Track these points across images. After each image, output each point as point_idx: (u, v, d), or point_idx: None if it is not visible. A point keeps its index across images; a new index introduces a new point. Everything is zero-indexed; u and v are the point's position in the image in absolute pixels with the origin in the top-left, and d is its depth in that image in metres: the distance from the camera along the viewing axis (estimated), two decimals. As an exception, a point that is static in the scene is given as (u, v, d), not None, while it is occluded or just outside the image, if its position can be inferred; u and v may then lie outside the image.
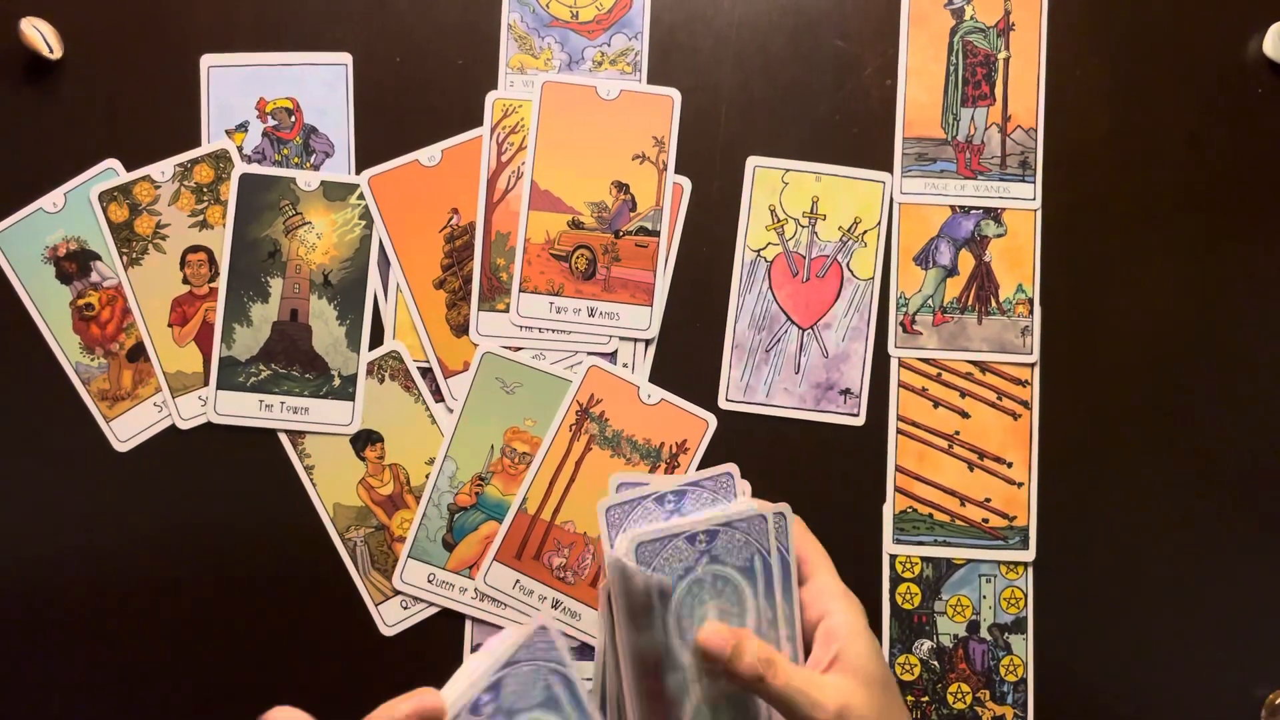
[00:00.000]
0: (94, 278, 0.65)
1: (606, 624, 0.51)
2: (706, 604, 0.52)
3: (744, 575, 0.52)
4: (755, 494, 0.65)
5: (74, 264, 0.65)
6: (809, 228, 0.66)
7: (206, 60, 0.65)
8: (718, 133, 0.66)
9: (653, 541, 0.51)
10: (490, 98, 0.65)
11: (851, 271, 0.66)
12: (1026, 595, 0.65)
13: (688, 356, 0.65)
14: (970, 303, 0.66)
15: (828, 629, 0.50)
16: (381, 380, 0.65)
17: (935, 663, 0.65)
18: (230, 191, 0.65)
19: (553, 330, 0.65)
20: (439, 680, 0.65)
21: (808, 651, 0.51)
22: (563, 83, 0.65)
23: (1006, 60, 0.67)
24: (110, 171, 0.65)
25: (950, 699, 0.65)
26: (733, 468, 0.53)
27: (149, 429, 0.65)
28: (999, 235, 0.66)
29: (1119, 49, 0.67)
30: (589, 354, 0.65)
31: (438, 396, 0.65)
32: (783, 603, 0.53)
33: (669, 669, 0.51)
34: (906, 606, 0.65)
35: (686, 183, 0.66)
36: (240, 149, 0.65)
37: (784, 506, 0.52)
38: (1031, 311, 0.66)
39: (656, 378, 0.65)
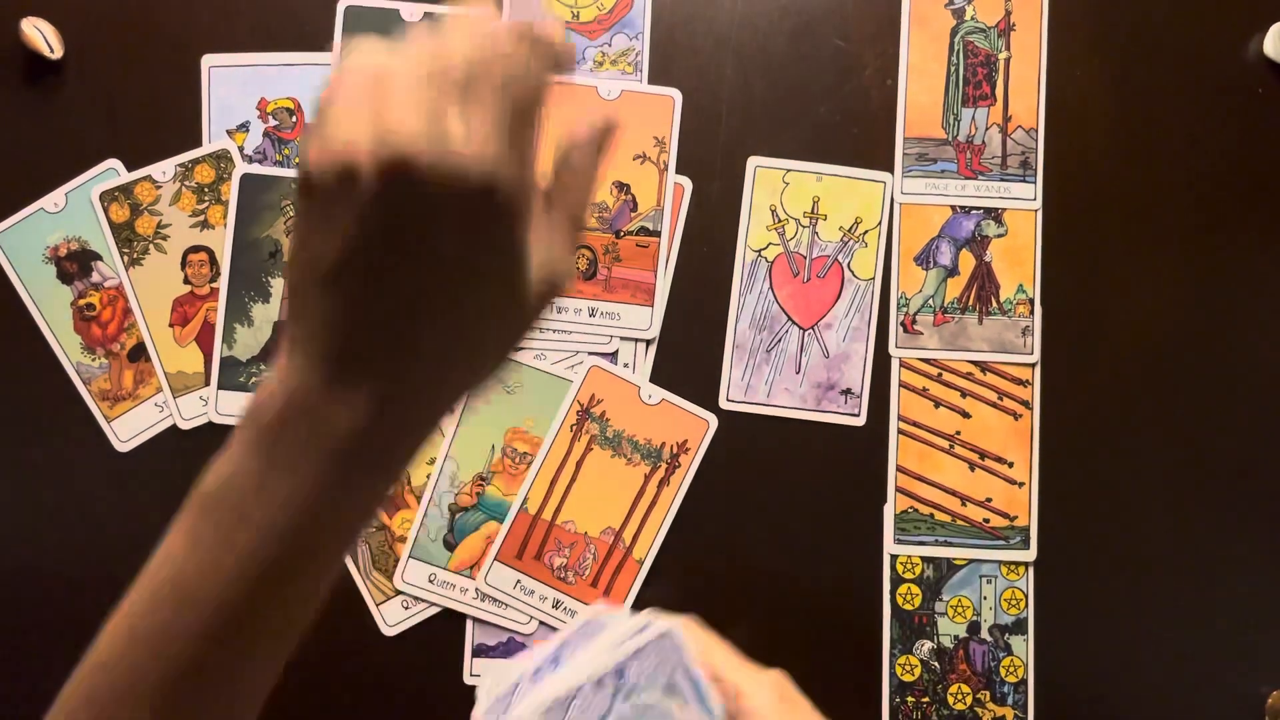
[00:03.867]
0: (95, 278, 0.65)
1: None
2: None
3: (669, 694, 0.47)
4: (756, 497, 0.65)
5: (75, 264, 0.65)
6: (810, 228, 0.66)
7: (207, 60, 0.65)
8: (718, 133, 0.66)
9: (552, 710, 0.47)
10: (491, 98, 0.65)
11: (852, 272, 0.66)
12: (1027, 596, 0.65)
13: (689, 356, 0.65)
14: (971, 303, 0.66)
15: (743, 710, 0.45)
16: (382, 380, 0.65)
17: (936, 663, 0.65)
18: (231, 191, 0.65)
19: (554, 330, 0.65)
20: (439, 679, 0.66)
21: None
22: (563, 82, 0.65)
23: (1007, 60, 0.67)
24: (111, 171, 0.65)
25: (950, 700, 0.65)
26: (598, 609, 0.49)
27: (150, 429, 0.65)
28: (1000, 235, 0.66)
29: (1119, 49, 0.67)
30: (590, 354, 0.65)
31: (439, 396, 0.65)
32: (715, 706, 0.49)
33: None
34: (907, 607, 0.65)
35: (687, 183, 0.66)
36: (241, 149, 0.65)
37: (673, 622, 0.47)
38: (1032, 311, 0.66)
39: (657, 378, 0.65)
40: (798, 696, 0.47)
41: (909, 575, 0.65)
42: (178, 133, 0.65)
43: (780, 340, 0.65)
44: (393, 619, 0.64)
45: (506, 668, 0.48)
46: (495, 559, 0.64)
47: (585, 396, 0.64)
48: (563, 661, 0.50)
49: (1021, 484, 0.65)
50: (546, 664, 0.50)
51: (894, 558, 0.65)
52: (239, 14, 0.66)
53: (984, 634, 0.65)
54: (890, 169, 0.66)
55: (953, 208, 0.66)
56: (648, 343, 0.65)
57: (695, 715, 0.47)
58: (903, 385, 0.66)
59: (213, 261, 0.65)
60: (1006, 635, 0.65)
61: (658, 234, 0.65)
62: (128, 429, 0.64)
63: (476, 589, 0.64)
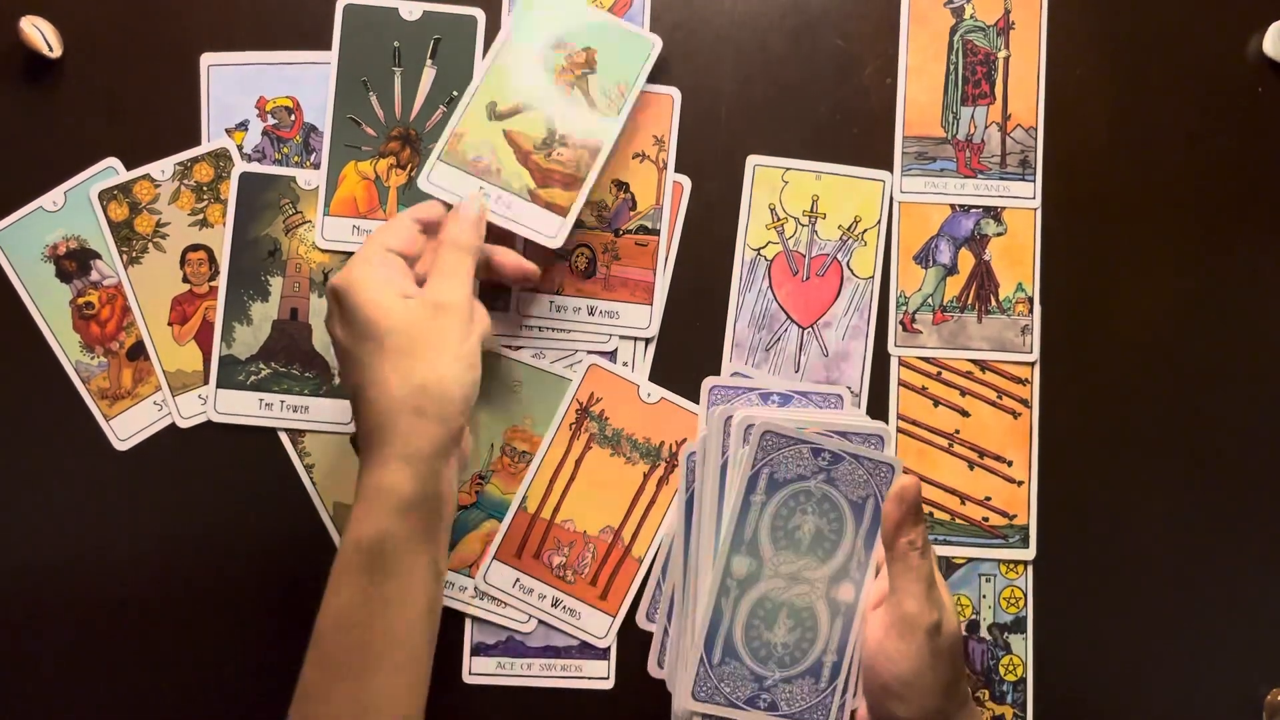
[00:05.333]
0: (94, 276, 0.65)
1: (704, 485, 0.56)
2: (807, 516, 0.54)
3: (852, 510, 0.54)
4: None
5: (74, 262, 0.65)
6: (809, 226, 0.66)
7: (206, 59, 0.65)
8: (718, 131, 0.66)
9: (779, 436, 0.55)
10: (490, 96, 0.65)
11: (851, 270, 0.66)
12: (1026, 595, 0.65)
13: (688, 355, 0.65)
14: (970, 301, 0.66)
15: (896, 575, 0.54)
16: (381, 379, 0.65)
17: (935, 662, 0.65)
18: (230, 190, 0.65)
19: (553, 329, 0.65)
20: (438, 678, 0.65)
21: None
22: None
23: (1006, 59, 0.67)
24: (110, 170, 0.65)
25: (950, 698, 0.65)
26: (843, 391, 0.56)
27: (149, 428, 0.65)
28: (999, 234, 0.66)
29: (1119, 48, 0.67)
30: (589, 352, 0.65)
31: (438, 395, 0.65)
32: (872, 550, 0.56)
33: (748, 554, 0.55)
34: (906, 605, 0.65)
35: (686, 181, 0.66)
36: (240, 148, 0.65)
37: (899, 461, 0.56)
38: (1031, 310, 0.66)
39: (656, 376, 0.65)
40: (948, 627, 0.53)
41: (908, 574, 0.65)
42: (176, 131, 0.65)
43: (779, 339, 0.65)
44: (391, 618, 0.64)
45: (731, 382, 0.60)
46: (494, 557, 0.64)
47: (584, 395, 0.64)
48: (793, 406, 0.59)
49: (1021, 483, 0.65)
50: (778, 396, 0.59)
51: (893, 557, 0.65)
52: (238, 13, 0.66)
53: (983, 632, 0.65)
54: (889, 168, 0.66)
55: (952, 206, 0.66)
56: (647, 341, 0.65)
57: (859, 545, 0.56)
58: (902, 384, 0.65)
59: (211, 260, 0.65)
60: (1005, 634, 0.65)
61: (657, 232, 0.65)
62: (126, 427, 0.64)
63: (475, 587, 0.64)
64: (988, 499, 0.65)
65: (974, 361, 0.66)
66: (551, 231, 0.61)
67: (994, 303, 0.66)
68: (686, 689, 0.55)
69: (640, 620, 0.64)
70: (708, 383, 0.60)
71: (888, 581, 0.54)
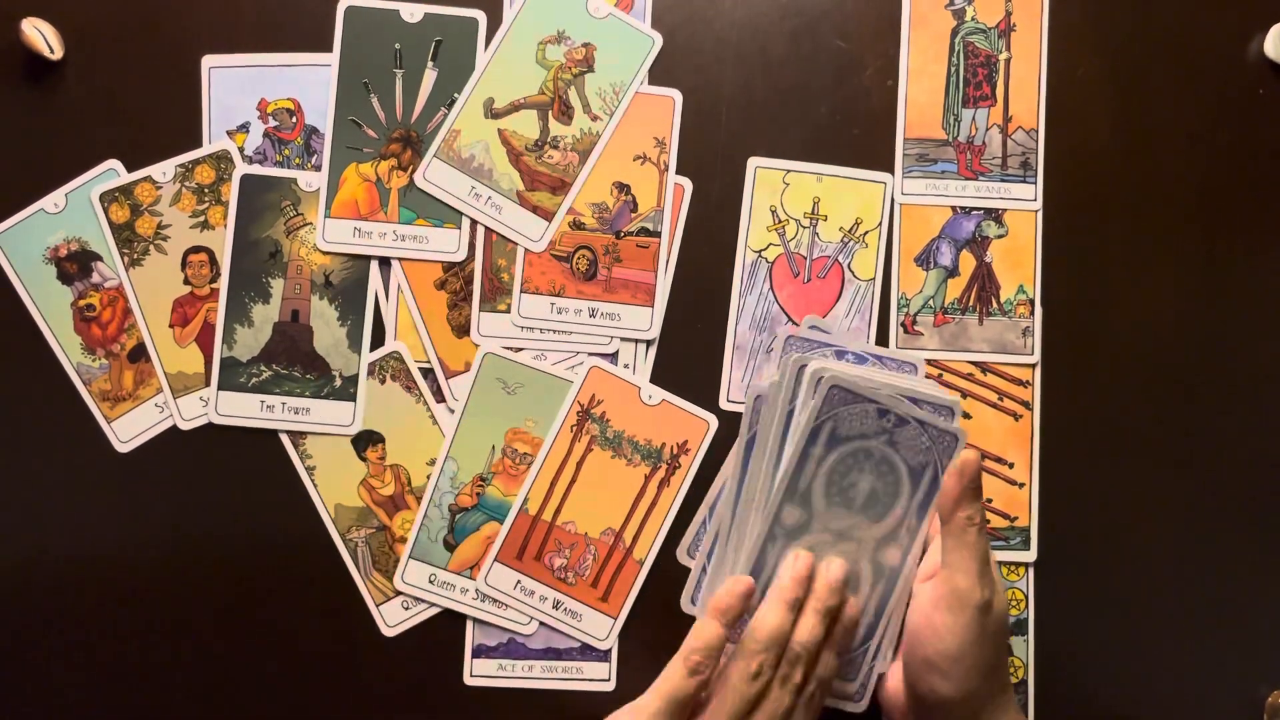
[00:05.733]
0: (95, 278, 0.65)
1: (766, 421, 0.57)
2: (864, 474, 0.54)
3: (910, 475, 0.54)
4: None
5: (75, 265, 0.65)
6: (810, 228, 0.66)
7: (207, 61, 0.65)
8: (719, 133, 0.66)
9: (847, 391, 0.55)
10: (491, 98, 0.65)
11: (853, 272, 0.66)
12: (1027, 597, 0.65)
13: (689, 357, 0.65)
14: (971, 303, 0.66)
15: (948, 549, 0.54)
16: (383, 381, 0.65)
17: (936, 663, 0.65)
18: (231, 192, 0.65)
19: (554, 331, 0.65)
20: (438, 680, 0.66)
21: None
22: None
23: (1007, 61, 0.67)
24: (111, 172, 0.65)
25: (951, 699, 0.65)
26: (919, 361, 0.58)
27: (150, 430, 0.65)
28: (1000, 236, 0.66)
29: (1119, 49, 0.67)
30: (590, 355, 0.65)
31: (439, 397, 0.65)
32: (925, 521, 0.56)
33: (800, 505, 0.55)
34: (907, 607, 0.65)
35: (687, 183, 0.66)
36: (241, 150, 0.65)
37: (964, 433, 0.56)
38: (1032, 312, 0.66)
39: (658, 378, 0.65)
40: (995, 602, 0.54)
41: (909, 576, 0.65)
42: (178, 133, 0.65)
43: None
44: (393, 620, 0.64)
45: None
46: (495, 560, 0.64)
47: (585, 397, 0.64)
48: (867, 366, 0.59)
49: (1022, 485, 0.65)
50: (853, 355, 0.59)
51: (894, 558, 0.65)
52: (239, 14, 0.66)
53: (984, 635, 0.65)
54: (890, 169, 0.66)
55: (953, 208, 0.66)
56: (648, 343, 0.65)
57: (912, 511, 0.56)
58: (903, 386, 0.65)
59: (213, 262, 0.65)
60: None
61: (658, 234, 0.65)
62: (128, 429, 0.64)
63: (476, 589, 0.64)
64: (989, 501, 0.65)
65: (975, 363, 0.66)
66: (535, 235, 0.62)
67: (995, 305, 0.66)
68: (751, 551, 0.56)
69: (680, 555, 0.64)
70: (783, 331, 0.60)
71: (940, 555, 0.54)
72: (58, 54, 0.64)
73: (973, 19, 0.67)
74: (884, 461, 0.56)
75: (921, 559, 0.57)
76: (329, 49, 0.65)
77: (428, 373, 0.65)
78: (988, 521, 0.54)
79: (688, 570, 0.64)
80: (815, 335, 0.60)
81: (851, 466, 0.56)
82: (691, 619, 0.58)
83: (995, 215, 0.66)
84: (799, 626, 0.54)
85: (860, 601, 0.56)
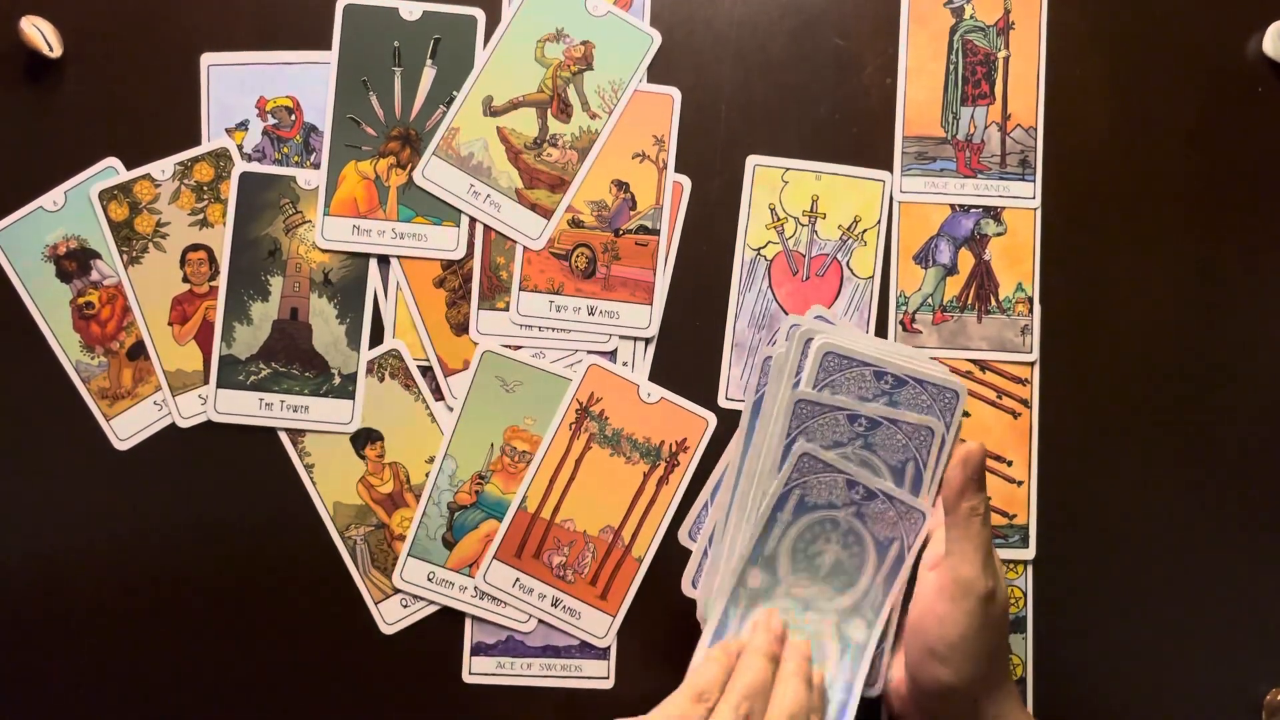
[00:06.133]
0: (94, 276, 0.65)
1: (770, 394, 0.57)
2: (830, 544, 0.56)
3: (876, 549, 0.54)
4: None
5: (74, 262, 0.65)
6: (809, 226, 0.66)
7: (206, 59, 0.65)
8: (718, 131, 0.66)
9: (812, 404, 0.55)
10: (490, 96, 0.65)
11: (851, 270, 0.66)
12: (1026, 594, 0.65)
13: (688, 355, 0.65)
14: (970, 301, 0.66)
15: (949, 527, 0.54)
16: (381, 379, 0.65)
17: (935, 661, 0.65)
18: (230, 190, 0.65)
19: (552, 329, 0.65)
20: (437, 678, 0.66)
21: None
22: None
23: (1006, 59, 0.67)
24: (110, 170, 0.65)
25: (950, 698, 0.65)
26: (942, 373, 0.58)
27: (149, 427, 0.65)
28: (999, 234, 0.66)
29: (1119, 48, 0.67)
30: (589, 352, 0.65)
31: (438, 395, 0.65)
32: (890, 595, 0.56)
33: (764, 568, 0.56)
34: (906, 605, 0.65)
35: (686, 181, 0.66)
36: (240, 147, 0.65)
37: (961, 386, 0.56)
38: (1031, 310, 0.66)
39: (656, 376, 0.65)
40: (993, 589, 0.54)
41: (908, 574, 0.65)
42: (177, 131, 0.65)
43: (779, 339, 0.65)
44: (391, 617, 0.64)
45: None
46: (494, 557, 0.64)
47: (584, 395, 0.64)
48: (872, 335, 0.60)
49: (1020, 483, 0.65)
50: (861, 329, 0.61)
51: (893, 556, 0.65)
52: (239, 13, 0.66)
53: (983, 633, 0.65)
54: (889, 168, 0.66)
55: (952, 206, 0.66)
56: (647, 341, 0.65)
57: (875, 582, 0.56)
58: (902, 384, 0.65)
59: (212, 260, 0.65)
60: (1006, 634, 0.65)
61: (657, 232, 0.65)
62: (127, 427, 0.64)
63: (475, 587, 0.64)
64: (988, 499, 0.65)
65: (974, 361, 0.66)
66: (534, 233, 0.62)
67: (994, 303, 0.66)
68: (716, 614, 0.56)
69: (682, 537, 0.64)
70: (787, 321, 0.60)
71: (943, 545, 0.54)
72: (57, 52, 0.64)
73: (971, 17, 0.67)
74: (850, 533, 0.56)
75: (892, 629, 0.57)
76: (328, 47, 0.65)
77: (426, 370, 0.65)
78: (991, 512, 0.54)
79: (686, 569, 0.64)
80: (819, 326, 0.60)
81: (818, 535, 0.56)
82: (690, 604, 0.57)
83: (994, 213, 0.66)
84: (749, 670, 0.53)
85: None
